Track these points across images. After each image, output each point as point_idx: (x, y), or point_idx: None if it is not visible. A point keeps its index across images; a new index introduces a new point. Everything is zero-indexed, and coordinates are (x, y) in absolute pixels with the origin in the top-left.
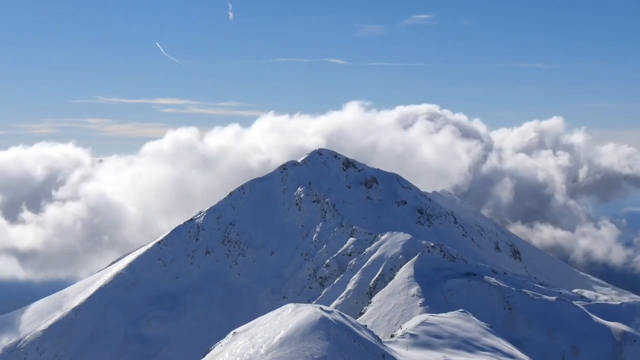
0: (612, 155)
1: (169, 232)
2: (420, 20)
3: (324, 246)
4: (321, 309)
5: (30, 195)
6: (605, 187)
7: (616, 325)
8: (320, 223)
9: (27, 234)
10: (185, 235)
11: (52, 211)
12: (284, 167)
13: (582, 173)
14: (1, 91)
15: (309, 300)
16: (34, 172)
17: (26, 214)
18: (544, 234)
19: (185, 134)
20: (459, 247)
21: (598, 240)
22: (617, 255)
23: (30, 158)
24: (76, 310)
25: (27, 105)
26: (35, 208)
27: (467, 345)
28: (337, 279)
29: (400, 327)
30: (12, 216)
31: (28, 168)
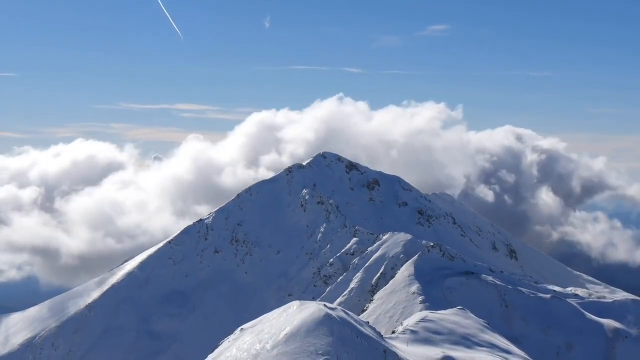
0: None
1: (179, 232)
2: (435, 31)
3: (328, 246)
4: (325, 306)
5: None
6: (598, 191)
7: (609, 322)
8: (324, 223)
9: (46, 232)
10: (195, 235)
11: (84, 210)
12: (289, 170)
13: (575, 178)
14: (26, 95)
15: (313, 298)
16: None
17: (58, 210)
18: (541, 235)
19: None
20: (457, 247)
21: (592, 240)
22: (610, 255)
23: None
24: (89, 307)
25: (52, 110)
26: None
27: (466, 341)
28: (341, 278)
29: (401, 323)
30: (40, 214)
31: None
